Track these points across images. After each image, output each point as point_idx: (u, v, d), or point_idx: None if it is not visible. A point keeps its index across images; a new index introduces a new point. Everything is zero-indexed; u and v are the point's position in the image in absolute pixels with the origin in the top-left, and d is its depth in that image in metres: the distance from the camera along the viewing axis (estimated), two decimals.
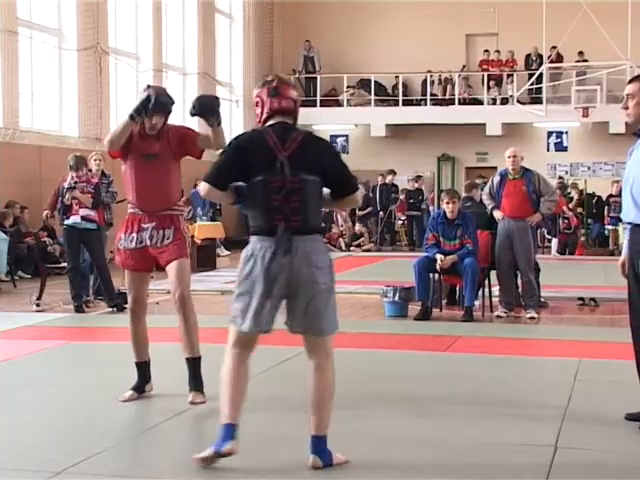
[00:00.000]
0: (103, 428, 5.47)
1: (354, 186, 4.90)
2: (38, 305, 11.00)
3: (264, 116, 4.83)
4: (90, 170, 11.71)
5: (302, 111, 18.93)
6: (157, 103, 5.99)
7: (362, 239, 22.20)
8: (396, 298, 10.37)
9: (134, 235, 6.11)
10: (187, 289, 6.22)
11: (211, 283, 13.82)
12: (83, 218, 10.84)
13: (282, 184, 4.61)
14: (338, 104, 25.99)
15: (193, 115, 5.99)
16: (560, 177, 23.36)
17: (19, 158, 14.97)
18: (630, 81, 5.71)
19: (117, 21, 19.48)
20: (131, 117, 5.95)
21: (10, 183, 14.45)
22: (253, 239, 4.72)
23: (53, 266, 13.49)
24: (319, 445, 4.73)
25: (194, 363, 6.20)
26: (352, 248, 21.80)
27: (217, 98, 6.30)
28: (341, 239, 22.04)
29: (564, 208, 20.06)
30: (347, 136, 26.84)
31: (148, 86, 6.20)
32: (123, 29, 19.81)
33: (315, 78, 26.11)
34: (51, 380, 6.93)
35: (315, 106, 25.87)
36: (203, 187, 4.73)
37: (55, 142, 16.91)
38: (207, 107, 6.04)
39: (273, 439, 5.31)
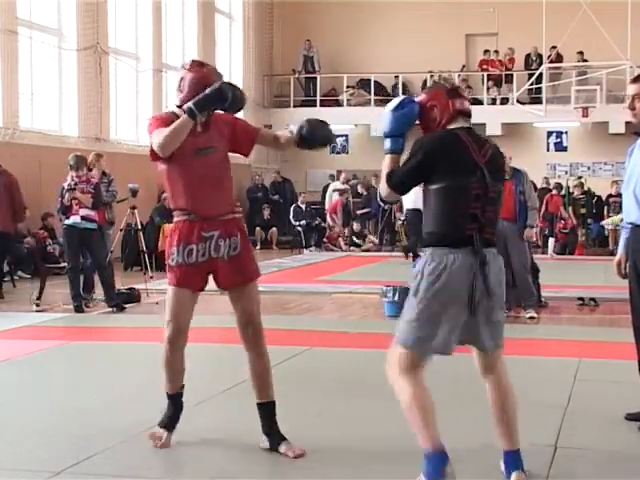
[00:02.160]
0: (103, 428, 5.47)
1: None
2: (38, 305, 11.00)
3: (445, 119, 4.43)
4: (90, 169, 11.73)
5: (302, 111, 19.11)
6: (235, 99, 4.96)
7: (369, 239, 22.18)
8: (396, 298, 10.36)
9: (193, 247, 5.02)
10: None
11: (211, 283, 13.78)
12: (83, 218, 10.84)
13: (484, 192, 4.31)
14: (338, 104, 25.99)
15: (302, 144, 5.30)
16: (545, 177, 23.32)
17: (19, 158, 14.94)
18: (634, 81, 5.67)
19: (117, 21, 19.47)
20: (192, 114, 4.76)
21: None
22: (437, 250, 4.31)
23: (53, 266, 13.50)
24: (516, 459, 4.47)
25: (269, 408, 5.18)
26: (352, 248, 21.81)
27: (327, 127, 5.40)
28: (340, 239, 22.05)
29: (561, 209, 20.12)
30: (347, 136, 26.84)
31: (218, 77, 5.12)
32: (123, 29, 19.80)
33: (315, 78, 26.11)
34: (51, 380, 6.93)
35: (315, 106, 25.87)
36: (384, 189, 4.50)
37: (55, 142, 16.90)
38: (321, 138, 5.35)
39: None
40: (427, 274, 4.31)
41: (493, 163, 4.36)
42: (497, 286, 4.39)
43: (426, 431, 4.36)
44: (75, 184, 10.88)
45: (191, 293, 5.14)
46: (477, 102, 25.23)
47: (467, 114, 4.49)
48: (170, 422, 5.17)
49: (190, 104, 4.74)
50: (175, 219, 5.10)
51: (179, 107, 4.93)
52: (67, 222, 10.89)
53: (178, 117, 4.85)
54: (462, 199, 4.26)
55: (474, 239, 4.26)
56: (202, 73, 5.01)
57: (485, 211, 4.30)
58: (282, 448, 4.96)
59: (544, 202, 20.01)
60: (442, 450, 4.31)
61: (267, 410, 5.10)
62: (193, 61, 5.15)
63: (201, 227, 4.97)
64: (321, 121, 5.33)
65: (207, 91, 4.79)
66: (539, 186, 21.07)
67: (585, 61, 24.34)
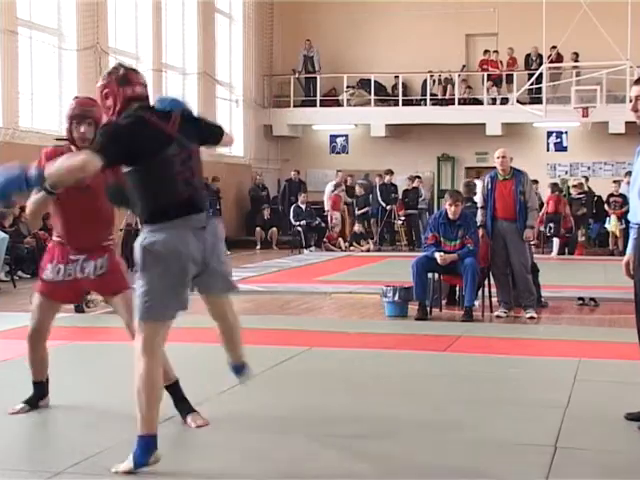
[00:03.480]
0: (103, 428, 5.47)
1: None
2: None
3: (119, 106, 4.65)
4: None
5: (302, 111, 19.07)
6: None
7: (366, 241, 22.18)
8: (396, 298, 10.37)
9: (61, 267, 5.64)
10: None
11: None
12: None
13: (188, 157, 4.66)
14: (338, 104, 25.98)
15: None
16: (535, 181, 23.16)
17: (19, 158, 14.89)
18: (637, 82, 5.66)
19: (117, 21, 19.47)
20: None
21: None
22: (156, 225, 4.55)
23: None
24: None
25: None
26: (352, 248, 21.81)
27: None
28: (340, 239, 22.05)
29: (566, 209, 20.12)
30: (347, 136, 26.84)
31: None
32: (123, 29, 19.80)
33: (315, 78, 26.10)
34: (51, 380, 6.92)
35: (315, 106, 25.88)
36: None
37: (53, 142, 16.87)
38: None
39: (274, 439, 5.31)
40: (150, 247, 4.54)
41: (184, 129, 4.59)
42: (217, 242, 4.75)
43: (150, 414, 4.57)
44: None
45: (53, 303, 5.79)
46: (477, 102, 25.26)
47: (140, 99, 4.65)
48: (34, 402, 5.91)
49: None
50: (53, 237, 5.75)
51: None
52: None
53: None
54: (169, 171, 4.51)
55: (190, 204, 4.53)
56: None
57: (193, 175, 4.62)
58: (188, 419, 5.47)
59: (548, 202, 20.04)
60: (155, 435, 4.57)
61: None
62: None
63: (70, 251, 5.62)
64: None
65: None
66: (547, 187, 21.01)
67: (576, 61, 24.34)
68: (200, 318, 10.22)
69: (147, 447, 4.56)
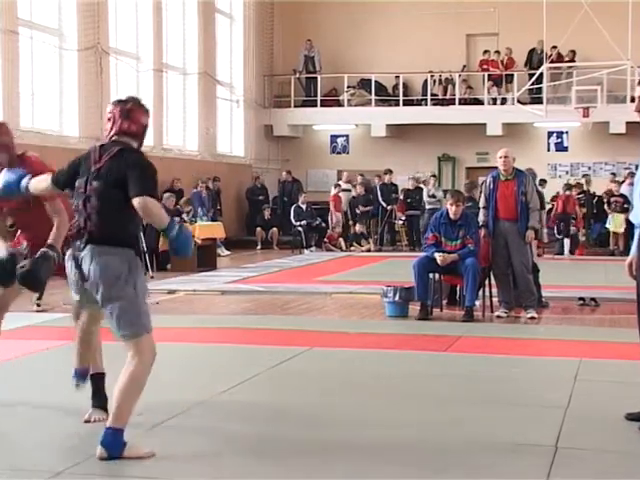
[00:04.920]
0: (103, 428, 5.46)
1: None
2: (39, 305, 10.99)
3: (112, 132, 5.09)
4: None
5: (303, 111, 19.05)
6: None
7: (367, 241, 22.19)
8: (396, 298, 10.36)
9: None
10: None
11: (212, 283, 13.83)
12: None
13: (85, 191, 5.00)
14: (339, 104, 25.98)
15: None
16: (543, 180, 23.15)
17: None
18: None
19: (117, 21, 19.47)
20: None
21: None
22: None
23: None
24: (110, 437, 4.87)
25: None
26: (352, 248, 21.82)
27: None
28: (341, 239, 22.06)
29: (577, 209, 20.18)
30: (347, 136, 26.84)
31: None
32: (123, 29, 19.79)
33: (315, 78, 26.10)
34: (52, 380, 6.93)
35: (315, 106, 25.88)
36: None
37: (56, 142, 16.90)
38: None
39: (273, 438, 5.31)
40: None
41: (105, 168, 4.91)
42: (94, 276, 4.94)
43: (134, 407, 4.92)
44: None
45: None
46: (477, 102, 25.26)
47: (131, 135, 5.08)
48: None
49: None
50: None
51: None
52: None
53: None
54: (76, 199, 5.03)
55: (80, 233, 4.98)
56: None
57: (86, 208, 4.95)
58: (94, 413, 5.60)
59: (558, 202, 20.08)
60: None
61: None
62: None
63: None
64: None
65: None
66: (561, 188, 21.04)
67: (573, 61, 24.34)
68: (202, 318, 10.25)
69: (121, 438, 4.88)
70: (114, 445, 4.81)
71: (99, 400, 5.65)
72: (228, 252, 20.38)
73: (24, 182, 5.35)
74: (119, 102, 5.13)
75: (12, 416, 5.91)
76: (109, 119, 5.10)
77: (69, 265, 5.06)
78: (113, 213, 4.89)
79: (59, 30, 17.71)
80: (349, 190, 23.41)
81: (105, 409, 5.48)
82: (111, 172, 4.89)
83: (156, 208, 4.86)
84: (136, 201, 4.78)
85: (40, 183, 5.32)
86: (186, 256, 5.54)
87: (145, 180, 4.87)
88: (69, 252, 5.07)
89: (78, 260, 4.96)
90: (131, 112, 5.06)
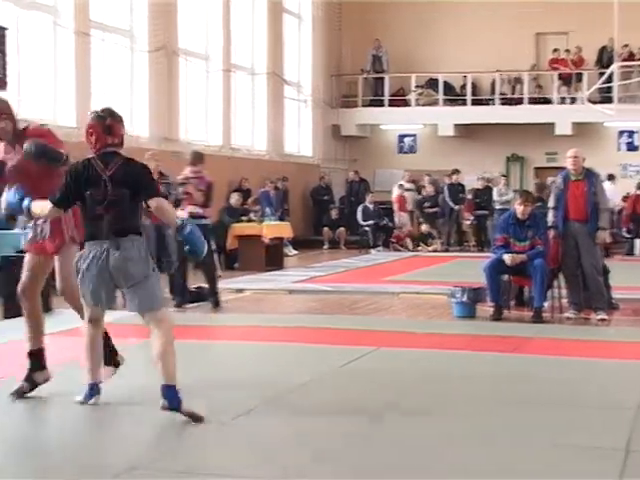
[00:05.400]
0: (168, 425, 5.53)
1: None
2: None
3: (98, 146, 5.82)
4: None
5: (370, 111, 19.02)
6: None
7: (432, 241, 22.09)
8: (464, 299, 10.31)
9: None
10: None
11: (279, 282, 13.90)
12: (191, 215, 10.90)
13: (103, 197, 5.69)
14: (406, 104, 25.91)
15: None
16: (611, 175, 22.76)
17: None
18: None
19: (187, 22, 19.65)
20: None
21: None
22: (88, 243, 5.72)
23: None
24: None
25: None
26: (419, 248, 21.75)
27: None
28: (408, 239, 22.00)
29: None
30: (415, 136, 26.76)
31: None
32: (193, 30, 19.98)
33: (383, 78, 26.08)
34: (125, 376, 7.03)
35: (383, 106, 25.85)
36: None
37: (126, 142, 17.05)
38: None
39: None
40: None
41: (117, 174, 5.69)
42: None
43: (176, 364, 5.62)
44: (186, 179, 10.91)
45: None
46: (547, 101, 25.01)
47: (116, 146, 5.87)
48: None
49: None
50: None
51: None
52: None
53: None
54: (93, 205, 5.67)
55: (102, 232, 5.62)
56: None
57: (108, 211, 5.62)
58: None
59: (628, 202, 19.80)
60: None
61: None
62: None
63: None
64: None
65: None
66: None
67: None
68: (270, 317, 10.30)
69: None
70: (173, 398, 5.45)
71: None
72: (295, 252, 20.46)
73: (25, 203, 5.90)
74: (98, 117, 5.81)
75: (87, 412, 6.01)
76: (90, 133, 5.76)
77: (94, 264, 5.62)
78: (131, 210, 5.70)
79: (130, 31, 17.93)
80: (412, 190, 23.32)
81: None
82: (124, 179, 5.68)
83: (169, 207, 5.87)
84: (153, 202, 5.66)
85: (44, 210, 5.87)
86: (199, 256, 6.33)
87: (154, 183, 5.85)
88: (92, 254, 5.62)
89: (108, 254, 5.59)
90: (111, 127, 5.84)
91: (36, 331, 6.31)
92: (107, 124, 5.78)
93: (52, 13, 15.87)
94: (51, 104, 15.77)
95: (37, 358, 6.27)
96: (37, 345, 6.30)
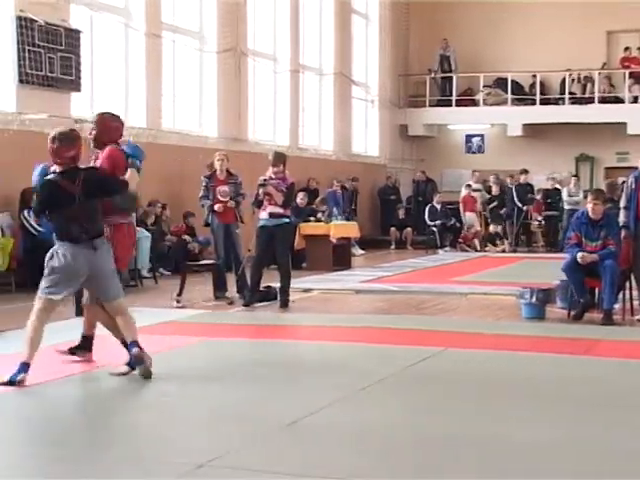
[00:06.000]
0: (239, 422, 5.59)
1: None
2: (179, 302, 11.26)
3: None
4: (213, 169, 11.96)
5: (437, 111, 18.98)
6: None
7: (502, 241, 21.91)
8: (533, 300, 10.21)
9: None
10: None
11: (346, 282, 13.92)
12: (271, 215, 11.01)
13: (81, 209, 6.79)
14: (474, 103, 25.78)
15: None
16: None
17: (160, 158, 15.33)
18: None
19: (255, 23, 19.78)
20: None
21: (152, 182, 14.83)
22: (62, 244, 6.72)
23: (192, 263, 13.77)
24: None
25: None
26: (487, 248, 21.61)
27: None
28: (476, 239, 21.87)
29: None
30: (483, 136, 26.59)
31: None
32: (261, 31, 20.11)
33: (451, 77, 25.97)
34: (191, 375, 7.12)
35: (450, 105, 25.75)
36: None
37: (195, 142, 17.29)
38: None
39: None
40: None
41: (87, 188, 6.68)
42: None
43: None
44: (265, 180, 11.01)
45: None
46: (618, 100, 24.66)
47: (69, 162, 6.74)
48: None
49: None
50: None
51: None
52: (259, 223, 11.09)
53: None
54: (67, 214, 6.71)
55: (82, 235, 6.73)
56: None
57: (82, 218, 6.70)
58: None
59: None
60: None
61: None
62: None
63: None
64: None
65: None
66: None
67: None
68: (337, 317, 10.31)
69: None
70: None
71: None
72: (362, 251, 20.47)
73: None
74: (51, 140, 6.67)
75: (152, 410, 6.10)
76: (50, 152, 6.70)
77: (79, 261, 6.67)
78: (99, 216, 6.87)
79: (200, 33, 18.11)
80: (480, 190, 23.18)
81: None
82: (91, 189, 6.70)
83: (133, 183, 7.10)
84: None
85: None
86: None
87: (114, 180, 7.04)
88: (77, 251, 6.65)
89: (90, 252, 6.71)
90: (58, 151, 6.67)
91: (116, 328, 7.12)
92: (54, 148, 6.68)
93: (124, 15, 16.12)
94: (122, 105, 16.00)
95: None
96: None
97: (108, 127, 7.44)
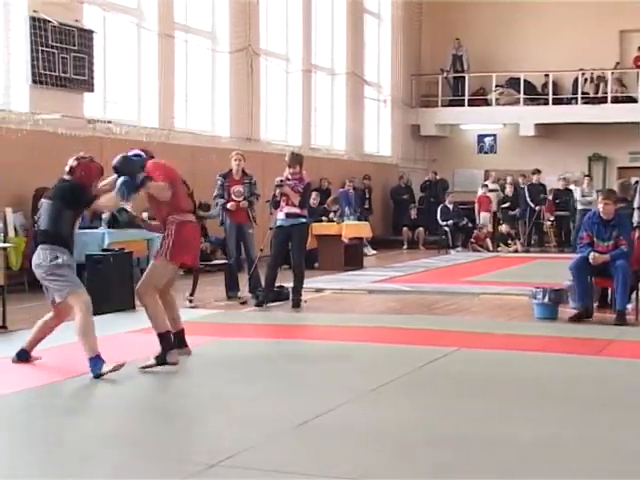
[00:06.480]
0: (251, 422, 5.59)
1: None
2: (191, 302, 11.27)
3: None
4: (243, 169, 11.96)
5: (450, 110, 19.01)
6: None
7: (514, 241, 21.86)
8: (546, 300, 10.20)
9: None
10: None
11: (358, 282, 13.92)
12: (287, 215, 11.03)
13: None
14: (486, 103, 25.76)
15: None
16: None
17: (173, 158, 15.29)
18: None
19: (268, 23, 19.80)
20: None
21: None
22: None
23: (205, 263, 13.75)
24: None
25: None
26: (499, 248, 21.58)
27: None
28: (488, 239, 21.84)
29: None
30: (495, 135, 26.56)
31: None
32: (273, 31, 20.12)
33: (463, 77, 25.94)
34: (203, 375, 7.14)
35: (463, 105, 25.72)
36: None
37: (207, 142, 17.32)
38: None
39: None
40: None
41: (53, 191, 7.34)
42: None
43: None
44: (282, 180, 11.02)
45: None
46: (632, 100, 24.59)
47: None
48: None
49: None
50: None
51: None
52: (276, 223, 11.11)
53: None
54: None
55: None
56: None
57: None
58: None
59: None
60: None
61: None
62: None
63: None
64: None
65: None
66: None
67: None
68: (349, 317, 10.31)
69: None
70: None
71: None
72: (374, 251, 20.46)
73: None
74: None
75: (164, 410, 6.11)
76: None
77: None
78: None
79: (212, 33, 18.14)
80: (497, 190, 23.16)
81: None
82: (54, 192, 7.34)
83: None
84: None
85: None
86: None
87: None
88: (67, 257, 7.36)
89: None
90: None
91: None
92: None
93: (137, 16, 16.16)
94: (135, 105, 16.05)
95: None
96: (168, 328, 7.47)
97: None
